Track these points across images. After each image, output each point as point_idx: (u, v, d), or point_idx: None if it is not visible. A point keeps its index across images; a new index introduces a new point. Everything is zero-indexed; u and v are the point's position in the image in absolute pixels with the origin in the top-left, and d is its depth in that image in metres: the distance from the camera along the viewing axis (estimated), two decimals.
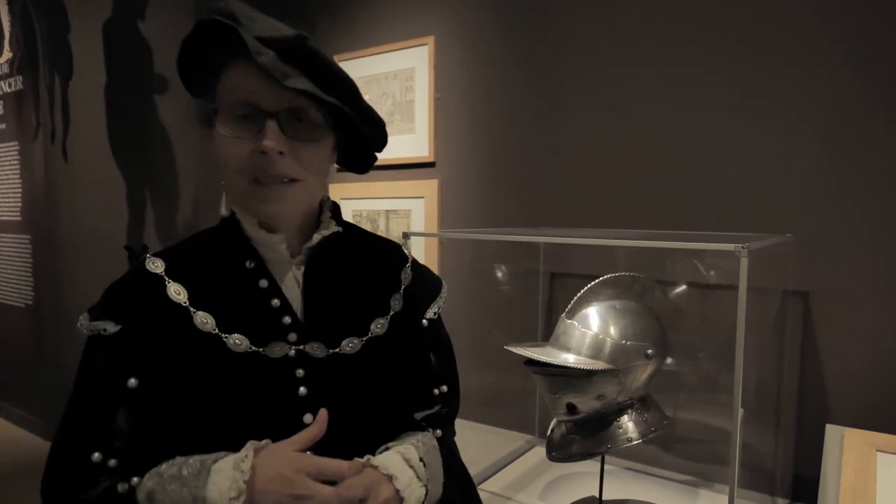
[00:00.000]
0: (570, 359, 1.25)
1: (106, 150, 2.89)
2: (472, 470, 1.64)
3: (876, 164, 1.40)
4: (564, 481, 1.58)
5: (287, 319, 0.78)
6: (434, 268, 2.10)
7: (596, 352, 1.25)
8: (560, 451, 1.33)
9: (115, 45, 2.86)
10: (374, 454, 0.78)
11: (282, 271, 0.80)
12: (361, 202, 2.28)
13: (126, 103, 2.90)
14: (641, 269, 1.35)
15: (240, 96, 0.72)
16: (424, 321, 0.91)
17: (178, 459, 0.71)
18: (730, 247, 0.90)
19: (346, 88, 0.76)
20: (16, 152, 3.20)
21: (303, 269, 0.82)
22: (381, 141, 0.87)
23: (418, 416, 0.88)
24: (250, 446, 0.70)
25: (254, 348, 0.76)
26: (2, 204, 3.37)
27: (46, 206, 2.98)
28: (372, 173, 2.27)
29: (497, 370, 1.91)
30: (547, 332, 1.54)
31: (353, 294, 0.84)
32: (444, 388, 0.93)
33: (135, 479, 0.71)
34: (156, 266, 0.78)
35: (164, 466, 0.70)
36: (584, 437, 1.30)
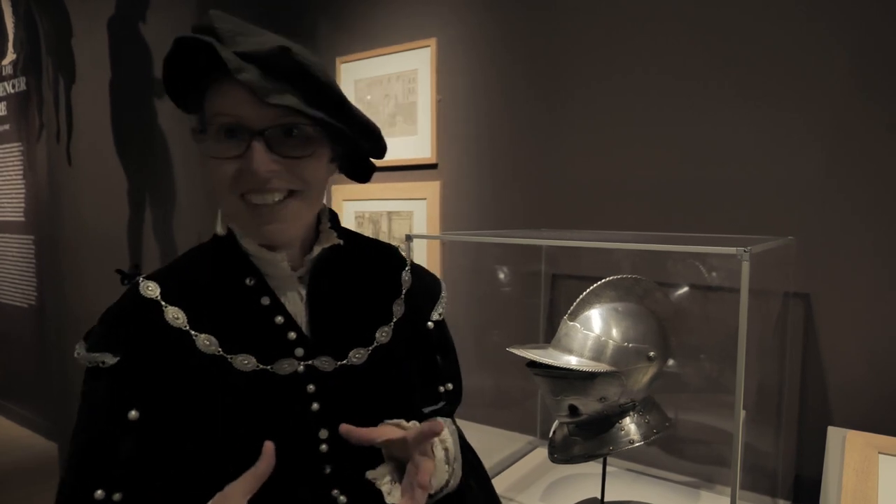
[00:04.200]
0: (572, 361, 1.25)
1: (109, 152, 2.90)
2: None
3: (877, 166, 1.40)
4: (566, 483, 1.58)
5: (292, 335, 0.77)
6: (436, 269, 2.11)
7: (598, 354, 1.25)
8: (562, 453, 1.33)
9: (117, 48, 2.87)
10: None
11: (283, 286, 0.79)
12: (364, 203, 2.29)
13: (129, 105, 2.91)
14: (643, 271, 1.35)
15: (225, 115, 0.70)
16: (430, 324, 0.91)
17: None
18: (731, 250, 0.90)
19: (335, 99, 0.73)
20: (19, 153, 3.21)
21: (305, 282, 0.80)
22: (378, 149, 0.83)
23: (425, 410, 0.89)
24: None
25: (262, 366, 0.75)
26: (5, 204, 3.38)
27: (50, 207, 3.00)
28: (374, 174, 2.27)
29: (499, 372, 1.92)
30: (548, 334, 1.54)
31: (356, 303, 0.84)
32: (450, 385, 0.94)
33: None
34: (151, 290, 0.76)
35: None
36: (586, 439, 1.30)
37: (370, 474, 0.75)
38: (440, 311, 0.93)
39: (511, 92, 1.94)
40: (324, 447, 0.75)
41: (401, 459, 0.75)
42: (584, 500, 1.46)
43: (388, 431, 0.73)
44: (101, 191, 2.92)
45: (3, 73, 3.25)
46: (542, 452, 1.73)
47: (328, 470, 0.76)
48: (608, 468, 1.40)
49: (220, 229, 0.80)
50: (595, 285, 1.32)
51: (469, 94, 2.03)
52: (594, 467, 1.44)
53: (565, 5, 1.82)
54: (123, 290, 0.79)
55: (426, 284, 0.94)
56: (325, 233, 0.83)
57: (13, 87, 3.19)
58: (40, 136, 2.99)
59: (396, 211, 2.21)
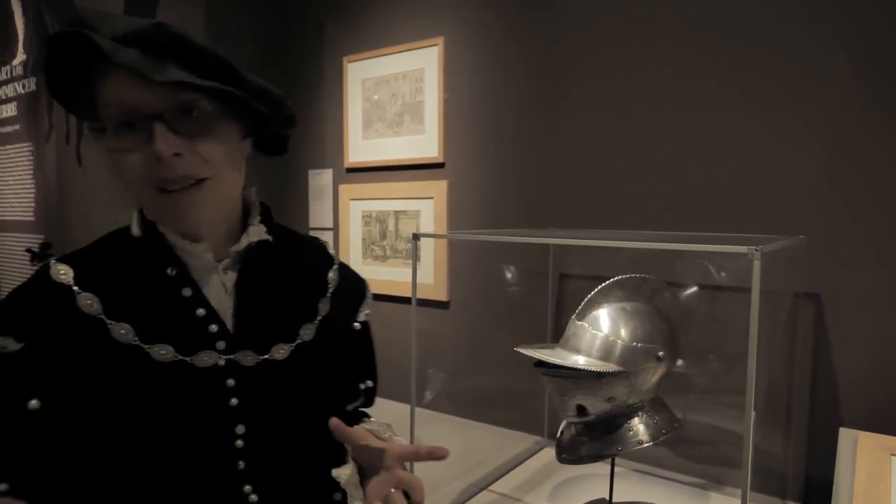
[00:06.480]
0: (580, 360, 1.25)
1: None
2: (482, 471, 1.66)
3: (889, 165, 1.39)
4: (574, 483, 1.57)
5: (214, 328, 0.75)
6: (443, 269, 2.10)
7: (606, 354, 1.24)
8: (570, 453, 1.33)
9: None
10: (311, 455, 0.79)
11: (206, 278, 0.77)
12: (371, 202, 2.29)
13: None
14: (651, 270, 1.34)
15: (117, 105, 0.68)
16: (357, 324, 0.93)
17: None
18: (743, 249, 0.89)
19: (224, 68, 0.70)
20: (29, 153, 3.23)
21: (231, 274, 0.79)
22: (284, 118, 0.80)
23: (348, 408, 0.92)
24: None
25: (180, 357, 0.73)
26: (15, 204, 3.41)
27: (59, 207, 3.01)
28: (381, 174, 2.28)
29: (506, 371, 1.91)
30: (556, 334, 1.53)
31: (282, 299, 0.83)
32: (370, 382, 0.96)
33: None
34: (63, 275, 0.72)
35: None
36: (594, 439, 1.30)
37: (336, 472, 0.76)
38: (366, 311, 0.95)
39: (518, 91, 1.94)
40: (239, 443, 0.74)
41: (361, 464, 0.78)
42: (592, 501, 1.45)
43: (367, 437, 0.76)
44: (110, 190, 2.93)
45: (14, 74, 3.28)
46: (549, 453, 1.73)
47: (242, 466, 0.74)
48: (616, 469, 1.40)
49: (135, 230, 0.77)
50: (603, 285, 1.32)
51: (476, 93, 2.03)
52: (602, 468, 1.43)
53: (567, 5, 1.81)
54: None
55: (352, 284, 0.94)
56: (255, 227, 0.81)
57: (23, 87, 3.22)
58: (49, 136, 3.00)
59: (403, 210, 2.20)
